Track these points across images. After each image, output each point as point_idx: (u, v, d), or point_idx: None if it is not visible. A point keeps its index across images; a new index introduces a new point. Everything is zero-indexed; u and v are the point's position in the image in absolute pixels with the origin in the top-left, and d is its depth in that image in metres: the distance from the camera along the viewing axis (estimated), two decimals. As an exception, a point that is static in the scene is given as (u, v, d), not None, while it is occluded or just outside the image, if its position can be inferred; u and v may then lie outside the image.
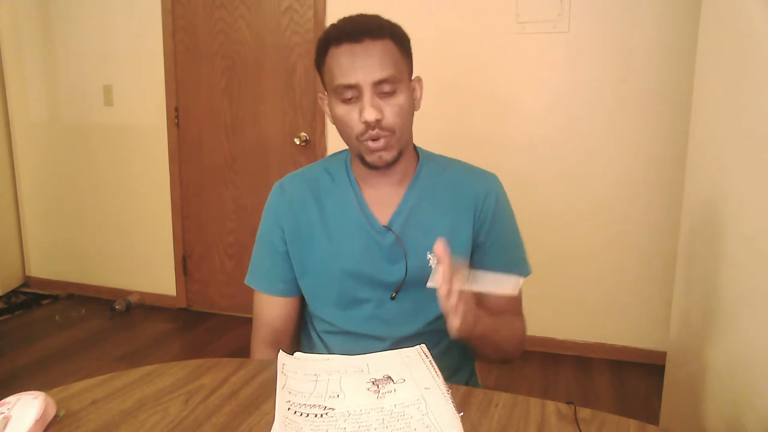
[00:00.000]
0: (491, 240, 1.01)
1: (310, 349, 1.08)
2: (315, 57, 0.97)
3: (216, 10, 2.86)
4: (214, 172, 3.01)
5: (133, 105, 3.08)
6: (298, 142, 2.83)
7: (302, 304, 1.08)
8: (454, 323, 0.78)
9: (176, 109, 3.00)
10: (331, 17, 2.66)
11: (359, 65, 0.88)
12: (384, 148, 0.93)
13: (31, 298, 3.30)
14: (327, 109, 0.99)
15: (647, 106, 2.39)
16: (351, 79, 0.89)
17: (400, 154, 0.96)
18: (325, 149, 2.78)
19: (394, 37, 0.93)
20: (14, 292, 3.39)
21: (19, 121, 3.34)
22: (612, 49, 2.39)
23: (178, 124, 3.02)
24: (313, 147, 2.83)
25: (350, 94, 0.90)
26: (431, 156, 1.07)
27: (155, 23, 2.94)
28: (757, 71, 1.22)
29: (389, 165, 0.95)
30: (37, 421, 0.71)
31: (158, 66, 2.98)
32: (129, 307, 3.12)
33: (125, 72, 3.06)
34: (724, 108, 1.41)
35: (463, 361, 1.09)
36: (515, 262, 1.04)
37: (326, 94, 0.98)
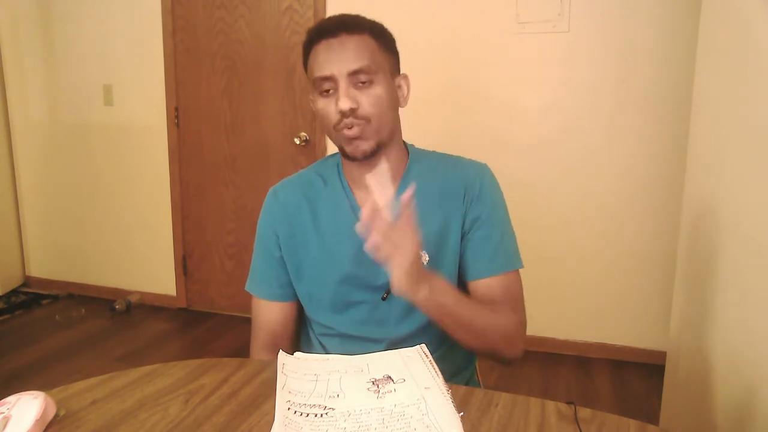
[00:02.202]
0: (477, 224, 0.99)
1: (309, 351, 1.08)
2: (302, 60, 0.98)
3: (216, 10, 2.85)
4: (214, 172, 3.01)
5: (133, 105, 3.08)
6: (298, 142, 2.83)
7: (300, 308, 1.08)
8: (391, 274, 0.79)
9: (176, 109, 3.00)
10: (331, 17, 2.66)
11: (334, 58, 0.90)
12: (359, 137, 0.92)
13: (31, 298, 3.30)
14: (315, 110, 1.00)
15: (647, 106, 2.39)
16: (326, 71, 0.90)
17: (380, 146, 0.95)
18: (325, 149, 2.78)
19: (374, 33, 0.94)
20: (14, 292, 3.39)
21: (19, 121, 3.34)
22: (612, 49, 2.39)
23: (178, 124, 3.02)
24: (313, 147, 2.83)
25: (327, 86, 0.92)
26: (422, 153, 1.07)
27: (155, 23, 2.94)
28: (757, 71, 1.22)
29: (368, 156, 0.95)
30: (37, 421, 0.71)
31: (158, 66, 2.98)
32: (129, 307, 3.12)
33: (125, 72, 3.06)
34: (724, 108, 1.41)
35: (464, 362, 1.09)
36: (501, 252, 1.00)
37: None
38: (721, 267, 1.34)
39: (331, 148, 2.76)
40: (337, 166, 1.05)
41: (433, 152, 1.08)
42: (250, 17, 2.82)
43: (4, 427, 0.68)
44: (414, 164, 1.03)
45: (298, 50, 2.76)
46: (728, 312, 1.30)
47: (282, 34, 2.78)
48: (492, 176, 1.04)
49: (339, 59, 0.90)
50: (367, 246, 0.78)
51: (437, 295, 0.86)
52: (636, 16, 2.34)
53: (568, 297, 2.60)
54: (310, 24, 2.70)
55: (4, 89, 3.30)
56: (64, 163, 3.29)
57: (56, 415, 0.75)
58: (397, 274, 0.80)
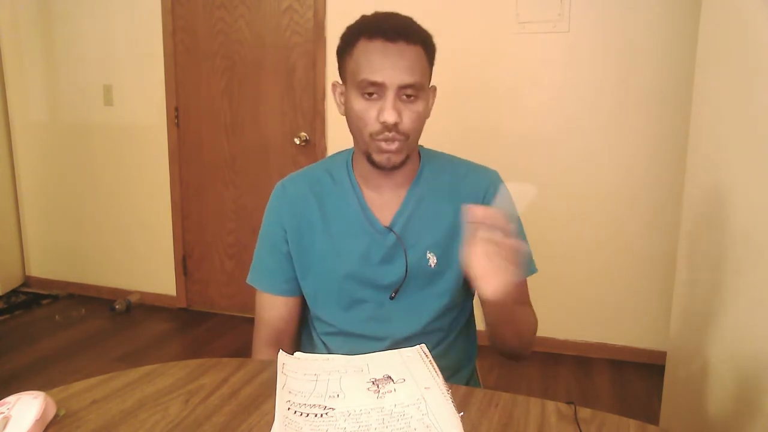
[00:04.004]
0: None
1: (311, 350, 1.08)
2: (340, 43, 0.96)
3: (216, 10, 2.85)
4: (214, 172, 3.01)
5: (133, 105, 3.08)
6: (298, 142, 2.83)
7: (304, 305, 1.08)
8: (491, 285, 0.75)
9: (176, 109, 3.00)
10: (331, 17, 2.66)
11: (389, 65, 0.88)
12: (396, 152, 0.93)
13: (31, 298, 3.30)
14: (339, 99, 0.99)
15: (647, 105, 2.39)
16: (378, 77, 0.89)
17: (408, 157, 0.97)
18: (325, 149, 2.78)
19: (426, 45, 0.93)
20: (14, 292, 3.39)
21: (19, 121, 3.34)
22: (612, 49, 2.39)
23: (178, 124, 3.02)
24: (313, 147, 2.83)
25: (373, 89, 0.90)
26: (433, 155, 1.07)
27: (155, 23, 2.94)
28: (757, 71, 1.22)
29: (395, 167, 0.95)
30: (37, 421, 0.71)
31: (158, 66, 2.98)
32: (129, 307, 3.12)
33: (125, 72, 3.06)
34: (724, 107, 1.42)
35: (464, 361, 1.09)
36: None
37: (341, 83, 0.98)
38: (721, 267, 1.34)
39: (332, 148, 2.76)
40: (346, 163, 1.05)
41: (442, 153, 1.09)
42: (250, 17, 2.82)
43: (4, 427, 0.68)
44: (426, 165, 1.04)
45: (299, 50, 2.78)
46: (728, 312, 1.30)
47: (282, 34, 2.78)
48: (503, 183, 1.05)
49: (394, 68, 0.88)
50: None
51: (512, 300, 0.86)
52: (636, 16, 2.34)
53: (567, 297, 2.59)
54: (310, 24, 2.70)
55: (4, 89, 3.30)
56: (64, 163, 3.29)
57: (56, 415, 0.75)
58: (502, 287, 0.76)
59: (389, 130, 0.90)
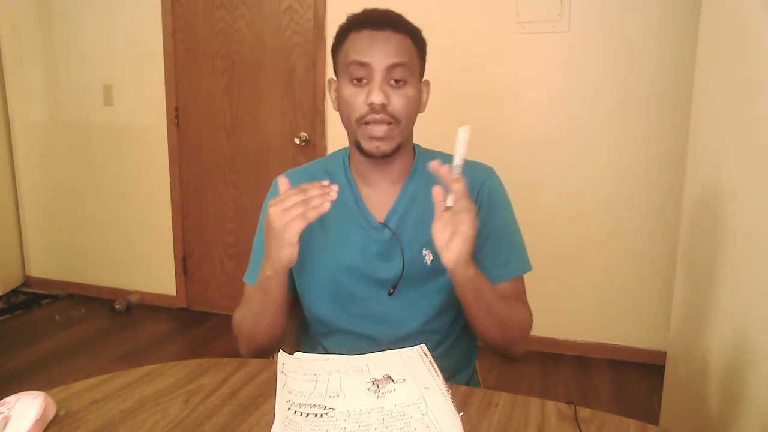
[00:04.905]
0: (486, 232, 1.00)
1: (310, 350, 1.08)
2: (333, 42, 0.98)
3: (216, 10, 2.85)
4: (214, 172, 3.01)
5: (133, 105, 3.08)
6: (298, 142, 2.83)
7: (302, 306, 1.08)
8: (451, 251, 0.82)
9: (176, 109, 3.00)
10: (331, 17, 2.66)
11: (376, 48, 0.91)
12: (384, 138, 0.93)
13: (31, 298, 3.30)
14: (333, 95, 1.00)
15: (647, 105, 2.39)
16: (365, 58, 0.91)
17: (398, 148, 0.96)
18: (325, 149, 2.78)
19: (414, 37, 0.95)
20: (14, 292, 3.39)
21: (19, 121, 3.34)
22: (612, 49, 2.39)
23: (178, 124, 3.02)
24: (313, 147, 2.83)
25: (361, 73, 0.92)
26: (428, 152, 1.08)
27: (155, 23, 2.94)
28: (757, 71, 1.22)
29: (385, 156, 0.95)
30: (37, 421, 0.71)
31: (158, 66, 2.98)
32: (129, 307, 3.12)
33: (125, 72, 3.06)
34: (724, 107, 1.42)
35: (463, 363, 1.09)
36: (514, 257, 1.02)
37: (336, 79, 0.99)
38: (721, 267, 1.34)
39: (332, 148, 2.76)
40: (344, 161, 1.05)
41: (439, 152, 1.09)
42: (250, 17, 2.82)
43: (4, 427, 0.68)
44: (421, 161, 1.04)
45: (299, 50, 2.78)
46: (728, 312, 1.30)
47: (282, 34, 2.78)
48: (498, 181, 1.05)
49: (380, 51, 0.91)
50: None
51: (478, 277, 0.88)
52: (636, 16, 2.34)
53: (568, 297, 2.59)
54: (310, 24, 2.70)
55: (4, 89, 3.30)
56: (64, 163, 3.29)
57: (56, 415, 0.75)
58: (456, 253, 0.82)
59: (376, 112, 0.91)
